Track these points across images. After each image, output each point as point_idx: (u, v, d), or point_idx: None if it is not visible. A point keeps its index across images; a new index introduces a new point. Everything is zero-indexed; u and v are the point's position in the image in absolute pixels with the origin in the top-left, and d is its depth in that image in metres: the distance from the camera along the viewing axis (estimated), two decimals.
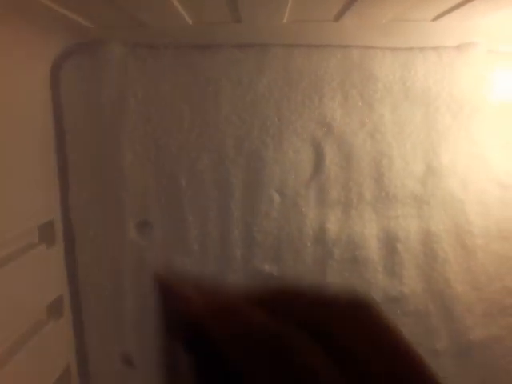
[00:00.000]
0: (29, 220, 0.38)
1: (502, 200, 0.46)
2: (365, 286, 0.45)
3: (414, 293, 0.45)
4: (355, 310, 0.17)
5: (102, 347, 0.45)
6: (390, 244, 0.45)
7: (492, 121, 0.45)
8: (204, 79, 0.42)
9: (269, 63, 0.42)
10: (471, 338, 0.46)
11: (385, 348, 0.15)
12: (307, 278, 0.44)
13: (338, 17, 0.36)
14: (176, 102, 0.42)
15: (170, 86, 0.42)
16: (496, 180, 0.46)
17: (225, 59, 0.42)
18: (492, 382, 0.47)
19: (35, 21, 0.35)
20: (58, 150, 0.42)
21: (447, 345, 0.46)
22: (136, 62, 0.42)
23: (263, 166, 0.43)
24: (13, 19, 0.33)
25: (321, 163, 0.43)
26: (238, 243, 0.44)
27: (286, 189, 0.43)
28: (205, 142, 0.42)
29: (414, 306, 0.46)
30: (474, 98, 0.44)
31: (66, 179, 0.43)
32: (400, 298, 0.45)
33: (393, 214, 0.45)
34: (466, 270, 0.46)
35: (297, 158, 0.43)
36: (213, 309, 0.16)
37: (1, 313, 0.33)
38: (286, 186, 0.43)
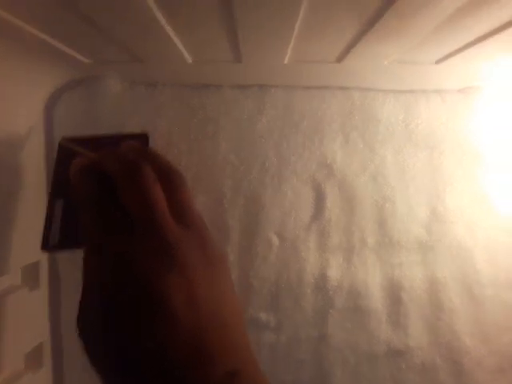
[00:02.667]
0: (13, 261, 0.36)
1: (509, 247, 0.44)
2: (368, 337, 0.42)
3: (420, 346, 0.43)
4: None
5: None
6: (394, 293, 0.42)
7: (496, 166, 0.44)
8: (202, 118, 0.41)
9: (269, 103, 0.41)
10: None
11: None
12: (306, 329, 0.41)
13: (341, 58, 0.35)
14: (173, 141, 0.40)
15: (167, 125, 0.41)
16: (502, 226, 0.44)
17: (224, 99, 0.41)
18: None
19: (27, 56, 0.34)
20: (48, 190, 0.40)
21: None
22: (133, 100, 0.41)
23: (262, 207, 0.41)
24: (2, 52, 0.32)
25: (322, 205, 0.42)
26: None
27: (286, 232, 0.41)
28: (202, 182, 0.41)
29: (420, 359, 0.43)
30: (477, 142, 0.43)
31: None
32: (405, 351, 0.42)
33: (397, 261, 0.42)
34: (475, 321, 0.43)
35: (297, 200, 0.41)
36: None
37: None
38: (285, 229, 0.41)
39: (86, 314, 0.21)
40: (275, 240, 0.41)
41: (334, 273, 0.42)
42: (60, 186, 0.31)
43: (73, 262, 0.41)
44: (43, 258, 0.40)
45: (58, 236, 0.29)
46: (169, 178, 0.25)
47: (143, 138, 0.34)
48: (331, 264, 0.42)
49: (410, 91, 0.43)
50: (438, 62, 0.37)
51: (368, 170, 0.42)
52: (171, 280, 0.21)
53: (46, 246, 0.29)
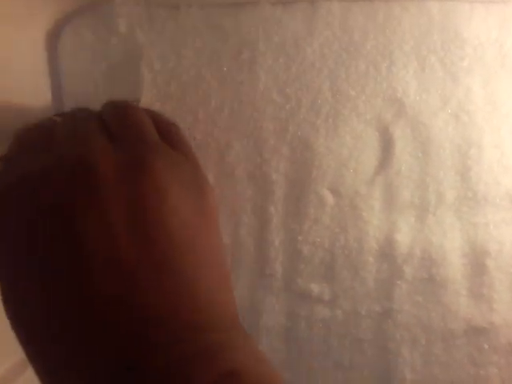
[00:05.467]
0: None
1: None
2: (443, 313, 0.35)
3: (508, 323, 0.35)
4: None
5: None
6: (477, 260, 0.35)
7: None
8: (237, 45, 0.33)
9: (321, 22, 0.32)
10: None
11: None
12: (368, 303, 0.35)
13: None
14: (201, 75, 0.33)
15: (193, 55, 0.33)
16: None
17: (263, 19, 0.33)
18: None
19: None
20: None
21: None
22: (152, 26, 0.34)
23: (312, 157, 0.33)
24: None
25: (389, 153, 0.34)
26: (278, 257, 0.34)
27: (343, 187, 0.34)
28: (237, 126, 0.33)
29: (506, 339, 0.35)
30: None
31: None
32: (489, 329, 0.35)
33: (482, 221, 0.34)
34: None
35: (357, 147, 0.33)
36: None
37: None
38: (342, 184, 0.34)
39: None
40: (329, 197, 0.34)
41: (404, 237, 0.34)
42: None
43: None
44: None
45: None
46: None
47: None
48: (400, 226, 0.34)
49: (505, 1, 0.34)
50: None
51: (449, 105, 0.33)
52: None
53: None
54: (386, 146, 0.34)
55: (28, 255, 0.16)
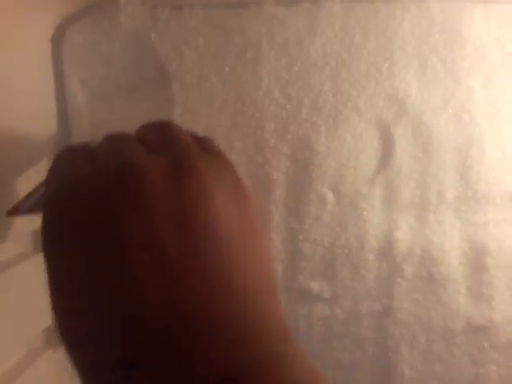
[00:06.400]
0: (21, 225, 0.30)
1: None
2: (443, 311, 0.35)
3: (508, 320, 0.35)
4: None
5: None
6: (476, 258, 0.35)
7: None
8: (240, 45, 0.33)
9: (324, 22, 0.33)
10: None
11: None
12: (368, 301, 0.35)
13: None
14: (204, 75, 0.33)
15: (196, 55, 0.33)
16: None
17: (267, 19, 0.33)
18: None
19: None
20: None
21: None
22: (155, 26, 0.34)
23: (313, 156, 0.34)
24: None
25: (390, 153, 0.34)
26: (279, 255, 0.35)
27: (343, 186, 0.34)
28: (239, 125, 0.33)
29: (506, 337, 0.36)
30: None
31: None
32: (489, 327, 0.35)
33: (482, 220, 0.35)
34: None
35: (358, 146, 0.34)
36: None
37: None
38: (342, 183, 0.34)
39: None
40: (330, 196, 0.34)
41: (404, 235, 0.34)
42: None
43: None
44: None
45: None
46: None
47: None
48: (400, 225, 0.34)
49: (507, 1, 0.34)
50: None
51: (450, 105, 0.33)
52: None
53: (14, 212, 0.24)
54: (387, 145, 0.34)
55: (76, 257, 0.16)
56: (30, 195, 0.24)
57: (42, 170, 0.30)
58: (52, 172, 0.20)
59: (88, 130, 0.34)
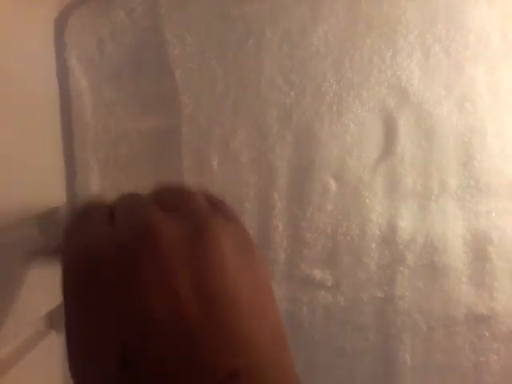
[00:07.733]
0: (29, 206, 0.30)
1: None
2: (444, 299, 0.35)
3: (509, 310, 0.35)
4: None
5: None
6: (479, 247, 0.35)
7: None
8: (242, 31, 0.33)
9: (327, 9, 0.32)
10: None
11: None
12: (370, 289, 0.35)
13: None
14: (207, 61, 0.33)
15: (198, 42, 0.33)
16: None
17: (269, 6, 0.33)
18: None
19: None
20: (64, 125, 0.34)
21: None
22: (159, 14, 0.34)
23: (316, 143, 0.34)
24: None
25: (393, 141, 0.34)
26: (281, 243, 0.35)
27: (346, 174, 0.34)
28: (242, 113, 0.33)
29: (507, 326, 0.36)
30: None
31: None
32: (490, 316, 0.35)
33: (484, 209, 0.35)
34: None
35: (361, 134, 0.33)
36: None
37: None
38: (345, 171, 0.34)
39: None
40: (333, 184, 0.34)
41: (406, 223, 0.34)
42: None
43: None
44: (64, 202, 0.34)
45: None
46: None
47: None
48: (402, 213, 0.34)
49: None
50: None
51: (453, 94, 0.33)
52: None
53: None
54: (390, 133, 0.34)
55: (98, 321, 0.16)
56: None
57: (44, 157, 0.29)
58: (69, 235, 0.20)
59: (90, 115, 0.33)
